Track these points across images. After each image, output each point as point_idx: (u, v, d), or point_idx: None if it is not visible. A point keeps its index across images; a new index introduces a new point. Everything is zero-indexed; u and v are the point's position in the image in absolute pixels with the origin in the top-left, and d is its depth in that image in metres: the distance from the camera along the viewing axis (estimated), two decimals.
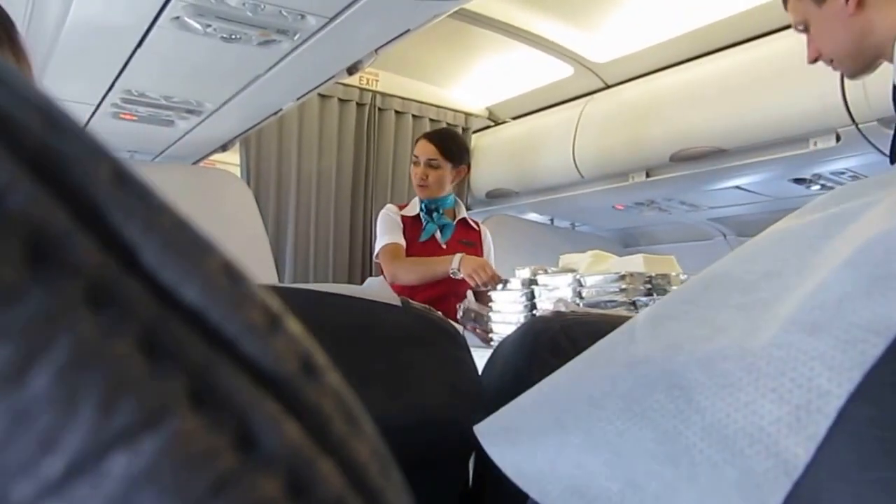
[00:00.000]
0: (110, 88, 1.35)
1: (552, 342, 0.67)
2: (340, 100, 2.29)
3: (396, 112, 2.41)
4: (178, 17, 1.02)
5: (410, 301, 0.70)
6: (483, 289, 1.46)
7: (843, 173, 1.75)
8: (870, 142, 1.49)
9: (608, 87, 2.13)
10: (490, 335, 1.44)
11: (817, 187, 1.85)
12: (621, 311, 1.14)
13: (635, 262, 1.32)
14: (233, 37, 1.08)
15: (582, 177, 2.12)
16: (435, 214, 1.66)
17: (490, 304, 1.45)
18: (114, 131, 1.64)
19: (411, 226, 1.65)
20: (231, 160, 2.38)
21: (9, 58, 0.61)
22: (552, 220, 2.73)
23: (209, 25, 1.04)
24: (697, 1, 1.70)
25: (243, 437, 0.08)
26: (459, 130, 2.49)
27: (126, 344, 0.08)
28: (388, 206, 1.72)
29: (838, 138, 1.53)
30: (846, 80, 1.42)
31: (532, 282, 1.38)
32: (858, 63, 0.97)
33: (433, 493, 0.62)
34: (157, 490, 0.07)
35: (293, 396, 0.09)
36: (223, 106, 1.46)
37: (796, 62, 1.53)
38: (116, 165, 0.09)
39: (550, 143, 2.20)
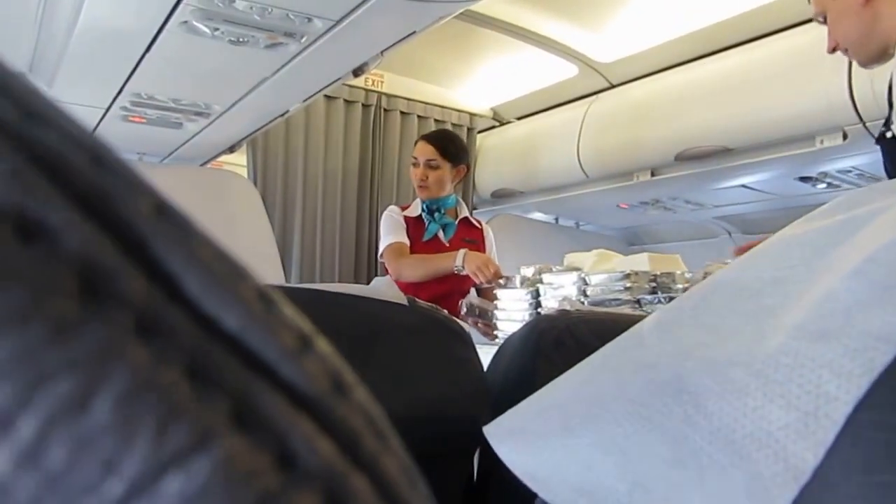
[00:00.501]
0: (120, 92, 1.36)
1: (557, 340, 0.68)
2: (346, 101, 2.30)
3: (402, 113, 2.42)
4: (186, 22, 1.03)
5: (417, 300, 0.71)
6: (486, 285, 1.48)
7: (849, 171, 1.74)
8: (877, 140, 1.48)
9: (613, 86, 2.12)
10: (494, 332, 1.45)
11: (824, 186, 1.84)
12: (626, 310, 1.15)
13: (640, 261, 1.32)
14: (240, 40, 1.09)
15: (587, 176, 2.12)
16: (437, 214, 1.68)
17: (495, 301, 1.46)
18: (123, 134, 1.65)
19: (414, 226, 1.67)
20: (238, 161, 2.40)
21: None
22: (557, 219, 2.73)
23: (217, 29, 1.05)
24: (702, 0, 1.69)
25: (283, 456, 0.09)
26: (464, 131, 2.49)
27: (175, 371, 0.08)
28: (391, 207, 1.74)
29: (845, 136, 1.52)
30: (853, 78, 1.41)
31: (537, 280, 1.39)
32: (869, 51, 1.03)
33: (438, 488, 0.63)
34: None
35: (326, 415, 0.10)
36: (231, 108, 1.47)
37: (802, 60, 1.52)
38: (157, 199, 0.10)
39: (555, 143, 2.20)
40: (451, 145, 1.67)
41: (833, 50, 1.07)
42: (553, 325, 0.68)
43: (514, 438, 0.37)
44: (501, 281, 1.45)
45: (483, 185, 2.56)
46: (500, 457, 0.36)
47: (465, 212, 1.75)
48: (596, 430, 0.33)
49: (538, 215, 2.68)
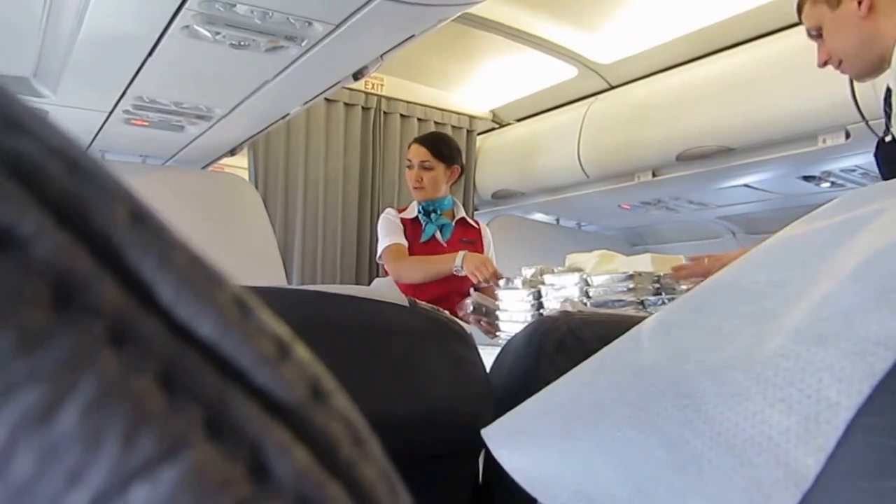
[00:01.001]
0: (122, 95, 1.37)
1: (560, 342, 0.67)
2: (346, 104, 2.31)
3: (401, 116, 2.42)
4: (188, 26, 1.04)
5: (418, 301, 0.71)
6: (485, 285, 1.48)
7: (853, 170, 1.73)
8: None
9: (613, 87, 2.12)
10: (497, 332, 1.45)
11: (827, 184, 1.83)
12: (629, 311, 1.14)
13: (643, 262, 1.31)
14: (241, 44, 1.10)
15: (587, 177, 2.11)
16: (433, 215, 1.69)
17: (497, 301, 1.46)
18: (126, 136, 1.66)
19: (411, 228, 1.69)
20: (240, 164, 2.41)
21: None
22: (558, 219, 2.73)
23: (218, 33, 1.06)
24: (702, 0, 1.68)
25: (256, 464, 0.09)
26: (464, 133, 2.50)
27: (145, 380, 0.08)
28: (388, 210, 1.76)
29: (848, 135, 1.52)
30: None
31: (539, 281, 1.38)
32: (866, 64, 1.03)
33: (443, 490, 0.63)
34: None
35: (302, 422, 0.10)
36: (232, 111, 1.47)
37: (803, 59, 1.51)
38: (133, 204, 0.10)
39: (555, 144, 2.19)
40: (444, 146, 1.69)
41: (824, 63, 1.07)
42: (555, 326, 0.68)
43: (512, 441, 0.37)
44: (500, 282, 1.45)
45: (483, 186, 2.56)
46: (498, 459, 0.36)
47: (461, 212, 1.76)
48: (595, 434, 0.33)
49: (539, 216, 2.68)
